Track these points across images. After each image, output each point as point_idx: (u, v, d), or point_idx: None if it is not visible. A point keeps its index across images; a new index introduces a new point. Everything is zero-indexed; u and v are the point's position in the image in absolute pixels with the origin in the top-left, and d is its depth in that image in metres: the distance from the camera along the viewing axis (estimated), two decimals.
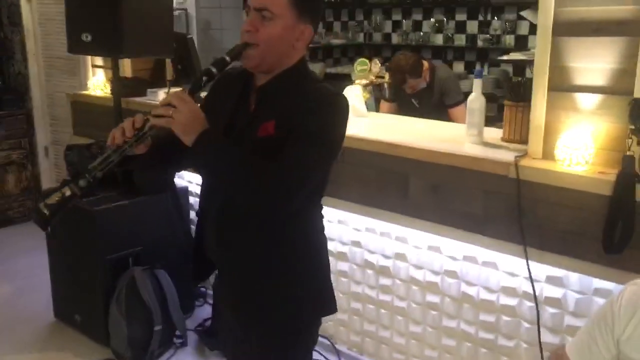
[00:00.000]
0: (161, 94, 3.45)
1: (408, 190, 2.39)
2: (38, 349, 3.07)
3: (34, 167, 4.94)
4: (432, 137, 2.49)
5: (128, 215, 3.03)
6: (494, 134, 2.49)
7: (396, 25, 5.63)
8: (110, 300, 2.95)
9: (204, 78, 1.50)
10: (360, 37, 5.81)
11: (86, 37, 2.89)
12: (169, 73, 3.84)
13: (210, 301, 3.38)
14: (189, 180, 3.57)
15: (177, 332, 3.07)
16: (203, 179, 1.73)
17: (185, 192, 3.43)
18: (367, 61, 3.19)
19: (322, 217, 1.72)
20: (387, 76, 3.22)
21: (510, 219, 2.10)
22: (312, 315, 1.70)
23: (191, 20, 6.06)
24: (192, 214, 3.67)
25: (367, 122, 2.90)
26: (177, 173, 3.34)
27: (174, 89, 3.50)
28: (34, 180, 4.93)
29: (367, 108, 3.24)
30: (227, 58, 1.50)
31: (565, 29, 2.00)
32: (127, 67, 3.81)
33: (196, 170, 1.64)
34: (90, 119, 3.86)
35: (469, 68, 5.24)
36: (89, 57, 4.04)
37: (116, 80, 3.05)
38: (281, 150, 1.45)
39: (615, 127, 1.94)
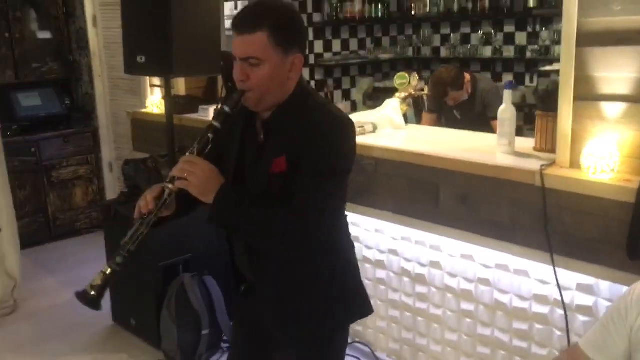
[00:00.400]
0: (211, 111, 3.63)
1: (439, 199, 2.45)
2: (97, 350, 3.28)
3: (99, 182, 5.26)
4: (463, 148, 2.55)
5: (179, 225, 3.18)
6: (527, 144, 2.52)
7: (444, 38, 5.68)
8: (162, 305, 3.13)
9: (210, 135, 1.57)
10: (409, 52, 5.88)
11: (140, 59, 3.11)
12: (220, 90, 4.05)
13: None
14: None
15: (224, 337, 3.22)
16: None
17: None
18: (406, 75, 3.27)
19: (346, 223, 1.80)
20: (426, 89, 3.29)
21: (537, 227, 2.13)
22: (346, 318, 1.80)
23: None
24: None
25: (403, 134, 2.98)
26: None
27: None
28: (99, 193, 5.24)
29: (408, 120, 3.32)
30: (227, 109, 1.57)
31: (589, 39, 2.03)
32: (181, 85, 4.03)
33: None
34: (147, 135, 4.11)
35: (518, 80, 5.21)
36: (147, 77, 4.30)
37: (168, 99, 3.26)
38: (294, 185, 1.53)
39: (638, 135, 1.95)
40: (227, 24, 6.14)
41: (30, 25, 5.00)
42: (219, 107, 1.60)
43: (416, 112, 3.92)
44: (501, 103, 2.45)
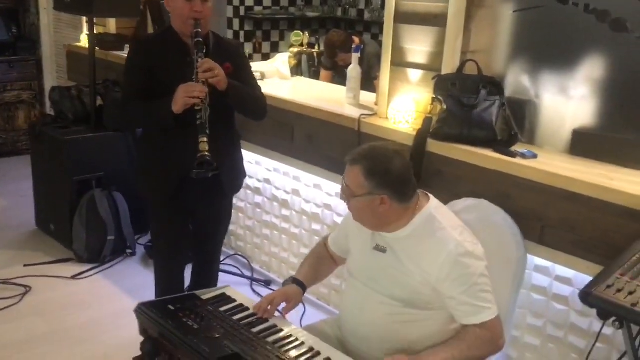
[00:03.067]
0: None
1: (294, 138, 3.03)
2: (19, 248, 3.82)
3: (42, 107, 5.70)
4: (320, 98, 3.11)
5: (94, 146, 3.74)
6: (373, 98, 3.08)
7: (368, 2, 6.18)
8: (75, 214, 3.69)
9: (204, 47, 2.27)
10: (339, 12, 6.37)
11: None
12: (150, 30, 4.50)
13: None
14: None
15: (128, 244, 3.79)
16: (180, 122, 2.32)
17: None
18: (300, 33, 3.81)
19: None
20: (317, 46, 3.83)
21: None
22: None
23: None
24: None
25: (285, 84, 3.52)
26: None
27: None
28: (41, 117, 5.68)
29: (302, 73, 3.85)
30: (199, 30, 2.27)
31: (403, 17, 2.58)
32: (112, 24, 4.48)
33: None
34: (79, 67, 4.57)
35: None
36: None
37: (91, 36, 3.72)
38: (246, 83, 2.40)
39: (429, 96, 2.53)
40: None
41: None
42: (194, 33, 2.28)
43: (311, 65, 4.45)
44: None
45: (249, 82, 2.46)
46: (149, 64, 2.34)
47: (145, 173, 2.52)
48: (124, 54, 4.21)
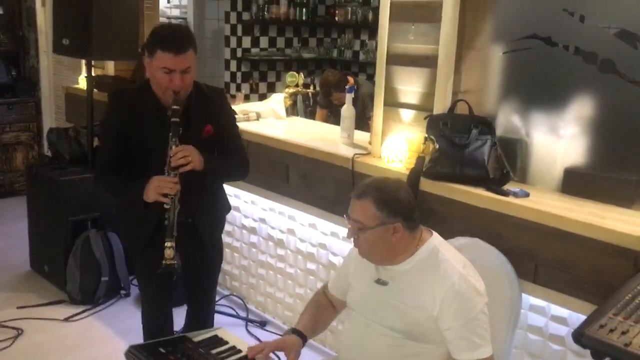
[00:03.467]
0: None
1: (289, 177, 3.04)
2: (12, 290, 3.79)
3: (39, 148, 5.74)
4: (315, 137, 3.14)
5: (90, 186, 3.74)
6: (367, 137, 3.10)
7: (363, 44, 6.31)
8: (69, 255, 3.67)
9: (180, 129, 2.20)
10: (334, 53, 6.49)
11: (65, 42, 3.63)
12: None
13: None
14: None
15: (122, 285, 3.76)
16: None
17: None
18: (295, 74, 3.86)
19: None
20: (312, 87, 3.88)
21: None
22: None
23: (190, 27, 6.80)
24: None
25: (280, 124, 3.56)
26: None
27: None
28: (38, 158, 5.71)
29: (297, 113, 3.89)
30: (176, 107, 2.19)
31: (394, 59, 2.63)
32: (110, 67, 4.55)
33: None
34: (77, 108, 4.62)
35: None
36: None
37: (89, 78, 3.78)
38: (224, 142, 2.36)
39: (421, 136, 2.55)
40: (165, 12, 6.62)
41: None
42: (171, 107, 2.20)
43: (305, 106, 4.51)
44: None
45: (230, 140, 2.41)
46: (124, 124, 2.30)
47: (123, 215, 2.52)
48: None
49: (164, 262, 2.13)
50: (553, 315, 2.20)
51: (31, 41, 5.68)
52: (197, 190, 2.35)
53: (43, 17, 5.46)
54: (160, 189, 2.16)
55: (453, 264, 1.81)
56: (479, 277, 1.85)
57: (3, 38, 5.60)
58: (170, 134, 2.18)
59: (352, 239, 1.88)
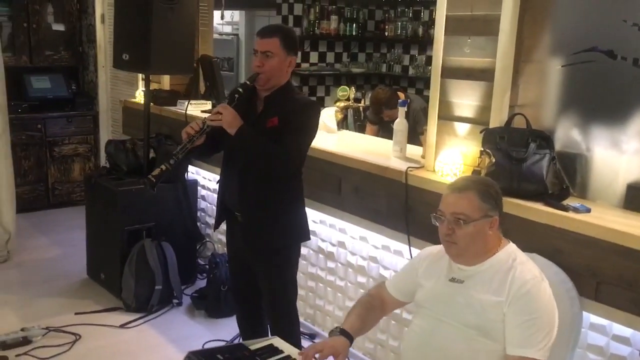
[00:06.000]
0: (186, 105, 4.25)
1: (341, 190, 3.06)
2: (70, 296, 3.92)
3: (96, 160, 5.93)
4: (366, 150, 3.15)
5: (145, 197, 3.85)
6: (419, 151, 3.09)
7: (412, 59, 6.31)
8: (125, 263, 3.77)
9: (236, 96, 2.44)
10: (384, 68, 6.49)
11: (125, 57, 3.75)
12: (202, 88, 4.69)
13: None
14: (204, 176, 4.37)
15: (175, 294, 3.84)
16: (224, 158, 2.63)
17: (194, 184, 4.24)
18: (347, 88, 3.89)
19: (301, 181, 2.63)
20: (363, 101, 3.89)
21: (403, 215, 2.72)
22: (295, 239, 2.66)
23: (241, 44, 6.96)
24: (203, 204, 4.47)
25: (331, 137, 3.58)
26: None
27: (200, 101, 4.36)
28: (96, 170, 5.90)
29: (347, 127, 3.91)
30: (248, 82, 2.47)
31: (449, 72, 2.62)
32: (166, 81, 4.68)
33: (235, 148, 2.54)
34: (134, 121, 4.76)
35: None
36: None
37: (147, 91, 3.90)
38: (281, 137, 2.39)
39: (476, 150, 2.53)
40: (218, 29, 6.78)
41: (47, 17, 5.69)
42: (243, 82, 2.50)
43: (356, 119, 4.52)
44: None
45: (285, 136, 2.42)
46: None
47: None
48: (177, 109, 4.38)
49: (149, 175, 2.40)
50: (615, 334, 2.13)
51: (90, 57, 5.90)
52: (242, 181, 2.50)
53: (102, 33, 5.68)
54: (188, 127, 2.41)
55: (530, 268, 1.87)
56: (552, 293, 1.86)
57: (64, 54, 5.84)
58: (227, 99, 2.44)
59: (446, 237, 1.88)
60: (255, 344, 2.00)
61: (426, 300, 2.00)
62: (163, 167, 2.39)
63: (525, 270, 1.84)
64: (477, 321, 1.84)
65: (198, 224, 4.32)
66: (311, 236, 3.40)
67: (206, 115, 2.54)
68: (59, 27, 5.77)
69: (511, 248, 1.93)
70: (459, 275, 1.93)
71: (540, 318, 1.78)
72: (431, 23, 5.77)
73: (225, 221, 2.74)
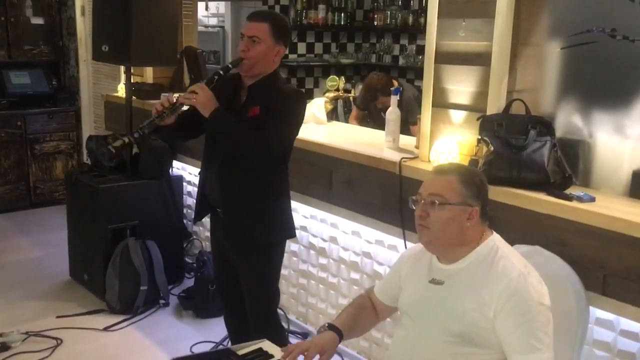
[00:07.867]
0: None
1: (332, 183, 2.93)
2: (52, 298, 3.77)
3: (79, 157, 5.76)
4: (358, 141, 3.03)
5: (129, 194, 3.71)
6: (412, 141, 2.98)
7: (402, 48, 6.18)
8: (108, 263, 3.63)
9: (215, 77, 2.30)
10: (373, 58, 6.37)
11: (105, 48, 3.61)
12: (187, 80, 4.54)
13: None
14: (189, 172, 4.23)
15: (162, 294, 3.70)
16: (204, 149, 2.48)
17: (180, 180, 4.10)
18: (336, 78, 3.76)
19: (287, 175, 2.47)
20: (353, 91, 3.77)
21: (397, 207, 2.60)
22: (279, 236, 2.48)
23: (227, 37, 6.81)
24: (190, 200, 4.33)
25: (321, 128, 3.46)
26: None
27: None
28: (78, 167, 5.73)
29: (338, 118, 3.78)
30: (230, 65, 2.32)
31: (443, 58, 2.50)
32: (149, 74, 4.53)
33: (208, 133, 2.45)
34: (116, 116, 4.60)
35: None
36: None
37: (128, 84, 3.75)
38: (263, 127, 2.22)
39: (473, 138, 2.42)
40: (203, 21, 6.63)
41: (26, 11, 5.51)
42: (225, 64, 2.36)
43: (346, 111, 4.39)
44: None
45: (267, 123, 2.25)
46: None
47: None
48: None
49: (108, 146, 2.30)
50: (623, 329, 2.03)
51: (71, 50, 5.72)
52: (223, 175, 2.37)
53: (83, 26, 5.50)
54: (157, 105, 2.25)
55: (513, 261, 1.71)
56: (541, 281, 1.72)
57: (44, 48, 5.66)
58: (206, 80, 2.31)
59: (419, 219, 1.75)
60: (243, 348, 1.87)
61: (408, 306, 1.86)
62: (126, 139, 2.26)
63: (508, 266, 1.69)
64: (460, 328, 1.70)
65: (184, 221, 4.18)
66: (302, 232, 3.30)
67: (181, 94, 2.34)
68: (38, 20, 5.59)
69: (493, 240, 1.77)
70: (439, 276, 1.78)
71: (534, 317, 1.63)
72: (421, 11, 5.64)
73: (207, 216, 2.61)
